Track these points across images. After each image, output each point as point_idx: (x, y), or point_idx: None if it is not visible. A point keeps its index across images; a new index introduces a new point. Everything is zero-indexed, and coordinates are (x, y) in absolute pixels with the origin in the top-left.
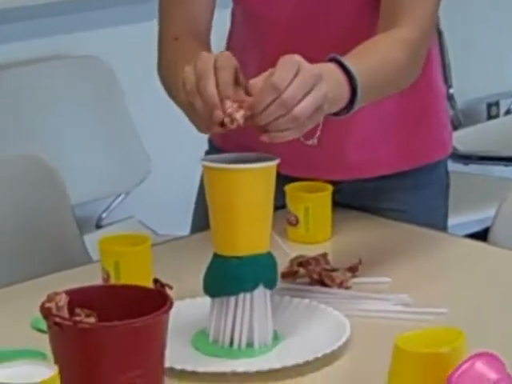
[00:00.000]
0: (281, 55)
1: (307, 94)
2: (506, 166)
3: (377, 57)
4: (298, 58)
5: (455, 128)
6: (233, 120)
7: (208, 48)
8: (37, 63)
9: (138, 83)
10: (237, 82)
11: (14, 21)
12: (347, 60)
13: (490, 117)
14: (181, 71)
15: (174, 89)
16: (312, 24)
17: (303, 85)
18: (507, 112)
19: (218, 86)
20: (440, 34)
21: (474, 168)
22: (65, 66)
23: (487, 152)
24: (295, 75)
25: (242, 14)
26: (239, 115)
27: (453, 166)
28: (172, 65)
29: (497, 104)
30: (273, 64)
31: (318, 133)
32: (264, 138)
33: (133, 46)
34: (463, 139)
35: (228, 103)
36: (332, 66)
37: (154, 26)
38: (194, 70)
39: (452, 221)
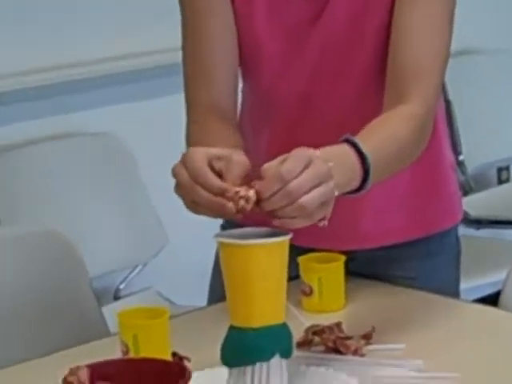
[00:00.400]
0: (290, 132)
1: (315, 187)
2: None
3: (386, 136)
4: (310, 152)
5: (466, 193)
6: (248, 199)
7: (231, 125)
8: (52, 141)
9: (153, 158)
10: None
11: (28, 100)
12: (361, 141)
13: (500, 181)
14: None
15: None
16: (320, 101)
17: (311, 179)
18: None
19: (206, 188)
20: (448, 102)
21: (485, 232)
22: (79, 144)
23: (498, 216)
24: (305, 168)
25: (252, 91)
26: (252, 193)
27: (464, 231)
28: (192, 145)
29: (507, 168)
30: (282, 141)
31: (329, 215)
32: (275, 222)
33: (147, 121)
34: (474, 204)
35: (237, 189)
36: (346, 148)
37: (167, 102)
38: (179, 187)
39: (465, 285)
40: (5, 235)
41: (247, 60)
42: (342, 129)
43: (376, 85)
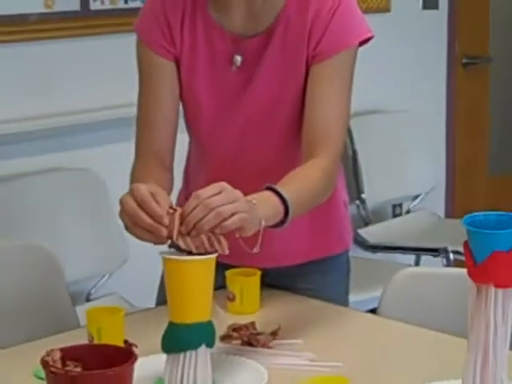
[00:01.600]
0: (223, 177)
1: (229, 203)
2: (404, 253)
3: (302, 183)
4: (223, 183)
5: (366, 224)
6: (174, 210)
7: (165, 168)
8: (42, 174)
9: (122, 189)
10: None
11: (26, 141)
12: (280, 187)
13: (394, 215)
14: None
15: None
16: (248, 153)
17: (223, 198)
18: (408, 211)
19: (149, 213)
20: (355, 152)
21: (380, 256)
22: (64, 177)
23: (391, 243)
24: (218, 193)
25: (194, 142)
26: (178, 208)
27: (363, 254)
28: (134, 179)
29: (400, 205)
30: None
31: (259, 242)
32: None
33: (117, 160)
34: (372, 233)
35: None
36: (269, 193)
37: (131, 146)
38: (124, 213)
39: (359, 297)
40: (2, 246)
41: (190, 116)
42: (267, 176)
43: (292, 140)
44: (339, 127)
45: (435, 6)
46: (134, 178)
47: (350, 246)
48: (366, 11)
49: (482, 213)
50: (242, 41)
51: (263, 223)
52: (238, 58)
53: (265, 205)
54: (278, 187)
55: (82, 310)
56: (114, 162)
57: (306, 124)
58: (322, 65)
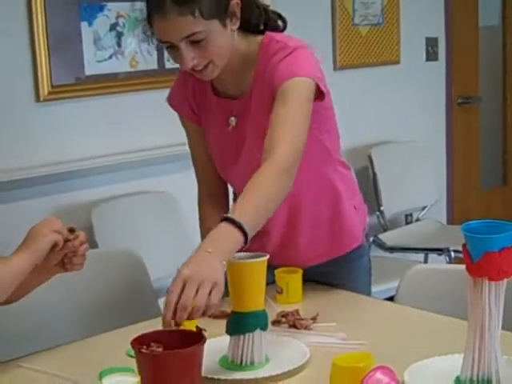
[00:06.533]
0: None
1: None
2: (415, 253)
3: (257, 191)
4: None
5: (384, 230)
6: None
7: (222, 203)
8: (130, 196)
9: (190, 206)
10: None
11: (119, 170)
12: (236, 210)
13: (406, 223)
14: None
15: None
16: (245, 168)
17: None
18: (417, 220)
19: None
20: (375, 174)
21: (396, 255)
22: (149, 198)
23: (404, 245)
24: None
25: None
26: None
27: (382, 254)
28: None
29: (411, 215)
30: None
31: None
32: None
33: (188, 184)
34: (389, 237)
35: None
36: (225, 224)
37: None
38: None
39: (379, 287)
40: (101, 252)
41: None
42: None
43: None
44: (288, 140)
45: (436, 59)
46: (200, 214)
47: (363, 241)
48: (381, 64)
49: (477, 221)
50: (234, 103)
51: (224, 264)
52: (233, 119)
53: (222, 245)
54: (233, 216)
55: (163, 302)
56: (184, 186)
57: (266, 135)
58: (278, 90)
